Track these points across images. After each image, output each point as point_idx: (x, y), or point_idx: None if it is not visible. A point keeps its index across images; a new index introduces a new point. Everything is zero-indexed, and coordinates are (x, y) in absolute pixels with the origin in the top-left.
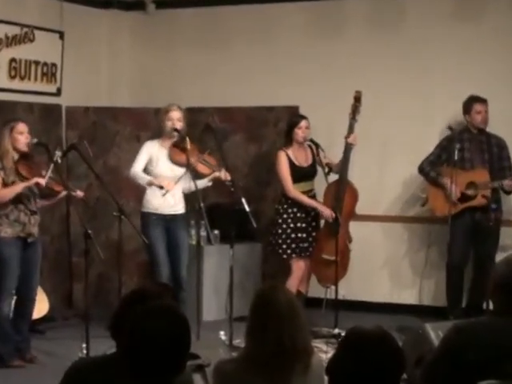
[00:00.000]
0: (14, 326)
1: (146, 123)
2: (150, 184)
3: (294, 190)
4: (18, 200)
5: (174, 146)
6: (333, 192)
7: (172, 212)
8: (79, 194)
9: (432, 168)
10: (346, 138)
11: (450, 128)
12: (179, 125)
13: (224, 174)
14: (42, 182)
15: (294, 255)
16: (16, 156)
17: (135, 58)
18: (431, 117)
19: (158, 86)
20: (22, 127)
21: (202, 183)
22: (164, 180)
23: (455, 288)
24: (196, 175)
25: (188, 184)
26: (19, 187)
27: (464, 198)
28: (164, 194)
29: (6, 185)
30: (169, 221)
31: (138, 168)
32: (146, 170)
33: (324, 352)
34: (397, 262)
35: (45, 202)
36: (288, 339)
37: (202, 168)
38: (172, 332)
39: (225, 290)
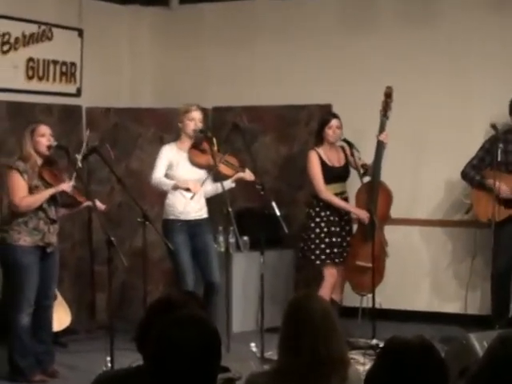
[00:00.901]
0: (36, 337)
1: (169, 124)
2: (176, 188)
3: (326, 191)
4: (38, 207)
5: (193, 147)
6: (365, 194)
7: (197, 217)
8: (100, 206)
9: (476, 172)
10: (378, 136)
11: (493, 126)
12: (201, 126)
13: (248, 175)
14: (69, 189)
15: (328, 261)
16: (39, 160)
17: (158, 56)
18: (470, 117)
19: (183, 85)
20: (43, 129)
21: (226, 185)
22: (189, 182)
23: (500, 296)
24: (218, 177)
25: (211, 187)
26: (46, 194)
27: (509, 203)
28: (192, 197)
29: (29, 189)
30: (193, 226)
31: (159, 174)
32: (166, 176)
33: (361, 364)
34: (438, 268)
35: (65, 211)
36: (323, 350)
37: (224, 169)
38: (201, 342)
39: (255, 300)
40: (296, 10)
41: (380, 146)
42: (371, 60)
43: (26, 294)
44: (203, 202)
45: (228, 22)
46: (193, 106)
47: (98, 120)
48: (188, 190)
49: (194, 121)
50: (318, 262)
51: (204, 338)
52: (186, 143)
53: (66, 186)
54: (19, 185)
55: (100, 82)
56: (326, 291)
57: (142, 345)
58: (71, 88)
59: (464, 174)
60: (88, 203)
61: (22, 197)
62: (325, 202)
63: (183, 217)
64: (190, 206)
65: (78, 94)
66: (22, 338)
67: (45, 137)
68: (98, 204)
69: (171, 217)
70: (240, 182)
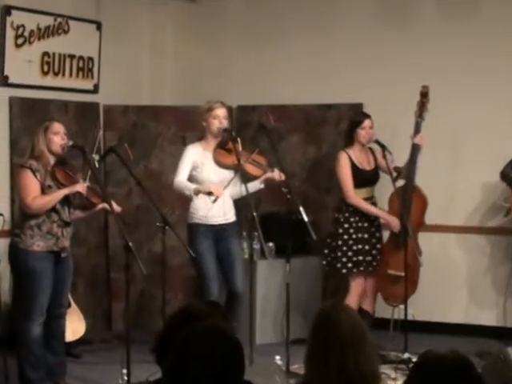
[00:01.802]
0: (48, 348)
1: (191, 123)
2: (198, 192)
3: (355, 196)
4: (51, 209)
5: (219, 147)
6: (399, 199)
7: (223, 221)
8: (116, 208)
9: None
10: (412, 138)
11: None
12: (226, 123)
13: (278, 174)
14: (83, 190)
15: (354, 270)
16: (52, 159)
17: (180, 52)
18: (510, 118)
19: (206, 83)
20: (57, 127)
21: (254, 186)
22: (211, 185)
23: None
24: (245, 178)
25: (238, 188)
26: (59, 194)
27: None
28: (214, 201)
29: (42, 189)
30: (219, 231)
31: (181, 177)
32: (191, 178)
33: (392, 379)
34: (475, 278)
35: (80, 213)
36: (353, 364)
37: (251, 169)
38: (224, 355)
39: (281, 310)
40: (326, 4)
41: (415, 149)
42: (407, 56)
43: (39, 302)
44: (230, 204)
45: (254, 16)
46: (216, 103)
47: (116, 118)
48: (210, 193)
49: (219, 118)
50: (344, 271)
51: (226, 350)
52: (212, 143)
53: (81, 187)
54: (32, 184)
55: (118, 79)
56: (352, 301)
57: (160, 357)
58: (88, 84)
59: (503, 175)
60: (104, 205)
61: (33, 197)
62: (354, 208)
63: (207, 221)
64: (214, 209)
65: (96, 90)
66: (32, 349)
67: (58, 135)
68: (114, 206)
69: (195, 221)
70: (267, 184)
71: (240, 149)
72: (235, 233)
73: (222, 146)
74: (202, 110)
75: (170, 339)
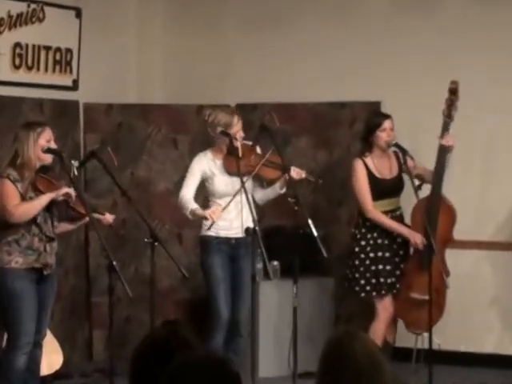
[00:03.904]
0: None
1: (184, 124)
2: (193, 215)
3: (374, 210)
4: (31, 221)
5: (228, 153)
6: (423, 211)
7: (238, 235)
8: (108, 218)
9: None
10: (440, 139)
11: None
12: (242, 134)
13: (296, 173)
14: (73, 193)
15: (374, 293)
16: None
17: (171, 43)
18: None
19: (200, 78)
20: (49, 134)
21: (271, 192)
22: (208, 211)
23: None
24: (262, 181)
25: (259, 193)
26: (45, 199)
27: None
28: (209, 228)
29: (24, 200)
30: (235, 247)
31: (185, 193)
32: (205, 190)
33: None
34: (510, 301)
35: (67, 225)
36: None
37: (267, 172)
38: None
39: (287, 338)
40: None
41: (443, 152)
42: (432, 47)
43: (24, 327)
44: (248, 217)
45: (256, 2)
46: (234, 117)
47: (98, 118)
48: (205, 218)
49: (238, 133)
50: (362, 295)
51: None
52: (223, 150)
53: (71, 190)
54: (12, 191)
55: (101, 73)
56: (379, 328)
57: None
58: (66, 80)
59: None
60: (96, 215)
61: (15, 204)
62: (372, 222)
63: (223, 233)
64: (232, 220)
65: (75, 87)
66: (13, 383)
67: (50, 143)
68: (107, 216)
69: (209, 233)
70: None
71: (240, 154)
72: (250, 252)
73: (232, 152)
74: (216, 122)
75: (148, 379)
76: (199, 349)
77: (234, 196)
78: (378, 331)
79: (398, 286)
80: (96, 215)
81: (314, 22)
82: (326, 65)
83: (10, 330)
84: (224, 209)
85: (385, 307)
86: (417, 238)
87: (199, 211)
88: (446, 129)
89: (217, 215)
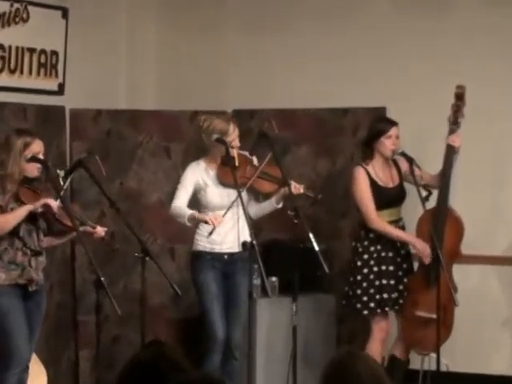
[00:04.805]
0: None
1: (178, 132)
2: (192, 220)
3: (379, 220)
4: (13, 234)
5: (222, 163)
6: (429, 223)
7: (232, 249)
8: (99, 230)
9: None
10: (447, 139)
11: None
12: (238, 142)
13: (294, 187)
14: (55, 204)
15: (378, 310)
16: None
17: (164, 44)
18: None
19: (195, 83)
20: (38, 146)
21: (267, 206)
22: (208, 215)
23: None
24: (258, 195)
25: (254, 207)
26: (21, 212)
27: None
28: (210, 234)
29: (4, 212)
30: (228, 263)
31: (178, 203)
32: (197, 202)
33: None
34: None
35: (53, 240)
36: None
37: (262, 185)
38: None
39: (286, 359)
40: None
41: (450, 153)
42: (440, 50)
43: (15, 346)
44: (244, 230)
45: (254, 6)
46: (230, 124)
47: (85, 125)
48: (206, 222)
49: (234, 142)
50: (365, 312)
51: None
52: (217, 159)
53: (52, 201)
54: None
55: (89, 77)
56: (374, 348)
57: None
58: (52, 84)
59: None
60: (86, 228)
61: None
62: (376, 234)
63: (215, 249)
64: (225, 235)
65: (61, 91)
66: None
67: (39, 155)
68: (98, 229)
69: (200, 248)
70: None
71: (237, 163)
72: (246, 265)
73: (226, 162)
74: (211, 129)
75: None
76: (191, 371)
77: (230, 206)
78: (374, 352)
79: (400, 301)
80: (86, 228)
81: (315, 26)
82: (328, 69)
83: (0, 349)
84: (224, 215)
85: (381, 328)
86: (425, 250)
87: (198, 215)
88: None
89: (219, 220)
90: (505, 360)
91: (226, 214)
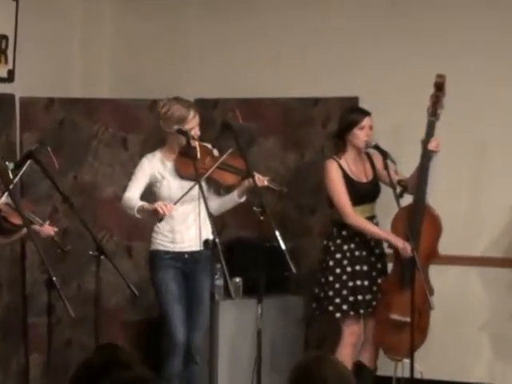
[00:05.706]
0: None
1: (135, 122)
2: (141, 211)
3: (356, 216)
4: None
5: (181, 154)
6: (405, 221)
7: (193, 248)
8: (48, 229)
9: None
10: (425, 142)
11: None
12: (198, 130)
13: (259, 179)
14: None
15: (351, 313)
16: None
17: (120, 30)
18: None
19: (154, 70)
20: None
21: (231, 200)
22: (157, 203)
23: None
24: (219, 188)
25: (214, 202)
26: None
27: None
28: (160, 221)
29: None
30: (188, 262)
31: (129, 194)
32: (153, 195)
33: None
34: (503, 325)
35: (0, 238)
36: None
37: (223, 176)
38: None
39: (249, 365)
40: None
41: (427, 157)
42: (417, 36)
43: None
44: (207, 227)
45: None
46: (190, 110)
47: (36, 114)
48: (155, 211)
49: (194, 130)
50: (338, 315)
51: None
52: (175, 150)
53: None
54: None
55: (41, 63)
56: (345, 353)
57: None
58: (1, 70)
59: None
60: (36, 227)
61: None
62: (349, 232)
63: (174, 247)
64: (185, 231)
65: (10, 78)
66: None
67: None
68: (46, 227)
69: (158, 247)
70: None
71: (198, 154)
72: (207, 265)
73: (185, 153)
74: (169, 115)
75: None
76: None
77: (182, 196)
78: (344, 357)
79: (374, 303)
80: (33, 227)
81: (284, 10)
82: (297, 56)
83: None
84: (176, 203)
85: (352, 331)
86: (404, 248)
87: (148, 205)
88: (430, 130)
89: (169, 208)
90: (483, 367)
91: (177, 202)
